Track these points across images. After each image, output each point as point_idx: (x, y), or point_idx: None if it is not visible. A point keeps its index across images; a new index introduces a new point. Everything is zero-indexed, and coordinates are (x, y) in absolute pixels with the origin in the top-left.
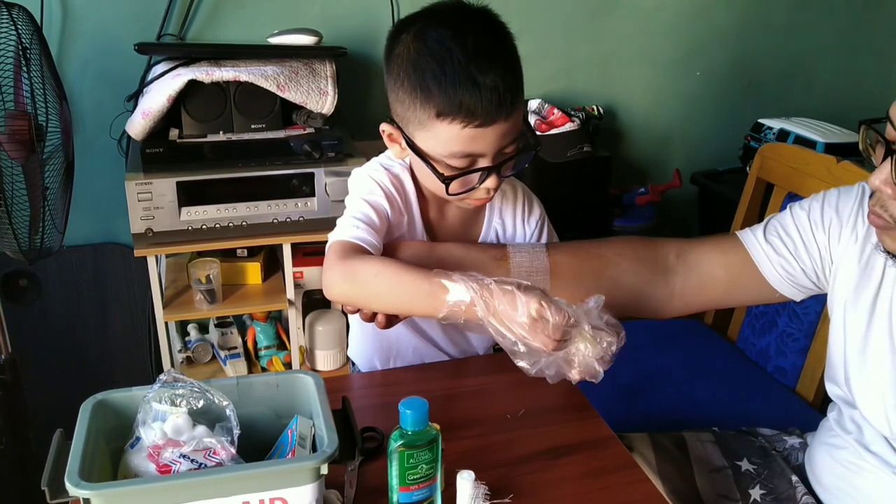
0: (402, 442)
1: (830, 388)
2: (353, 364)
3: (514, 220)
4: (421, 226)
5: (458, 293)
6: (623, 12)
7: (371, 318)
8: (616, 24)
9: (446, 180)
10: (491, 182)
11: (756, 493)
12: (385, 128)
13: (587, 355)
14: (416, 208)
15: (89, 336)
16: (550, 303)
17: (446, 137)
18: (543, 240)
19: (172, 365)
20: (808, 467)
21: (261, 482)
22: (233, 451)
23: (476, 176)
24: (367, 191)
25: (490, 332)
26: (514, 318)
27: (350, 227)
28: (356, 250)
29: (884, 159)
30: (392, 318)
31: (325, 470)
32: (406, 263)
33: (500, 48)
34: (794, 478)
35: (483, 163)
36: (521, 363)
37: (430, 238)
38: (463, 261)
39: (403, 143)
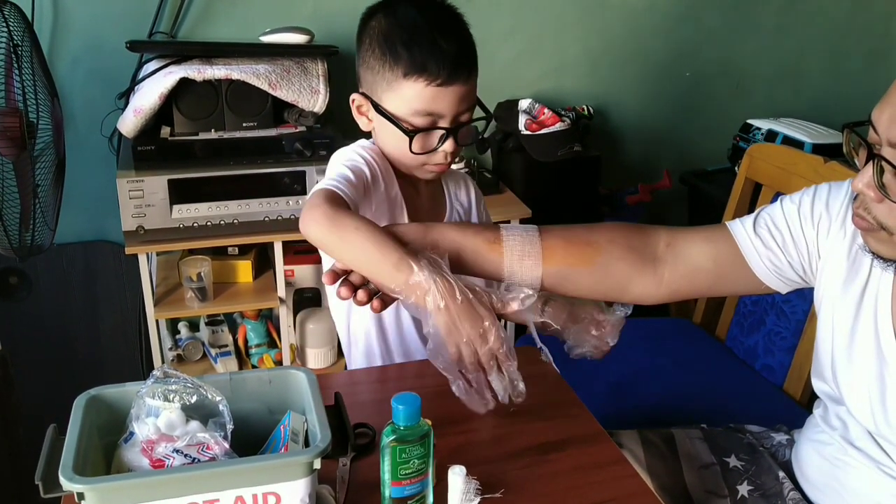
0: (394, 437)
1: (817, 384)
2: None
3: (468, 204)
4: (400, 198)
5: (419, 277)
6: (613, 13)
7: (366, 300)
8: (606, 25)
9: (410, 133)
10: (449, 146)
11: (744, 488)
12: (356, 97)
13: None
14: (395, 182)
15: (80, 333)
16: (495, 327)
17: (411, 95)
18: (485, 213)
19: (163, 362)
20: (795, 463)
21: (254, 477)
22: (226, 445)
23: (436, 139)
24: (346, 159)
25: (424, 319)
26: (466, 324)
27: (330, 181)
28: (341, 201)
29: (866, 163)
30: (387, 299)
31: (317, 465)
32: (385, 231)
33: (458, 24)
34: (781, 474)
35: (442, 124)
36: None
37: (408, 210)
38: (459, 244)
39: (371, 113)
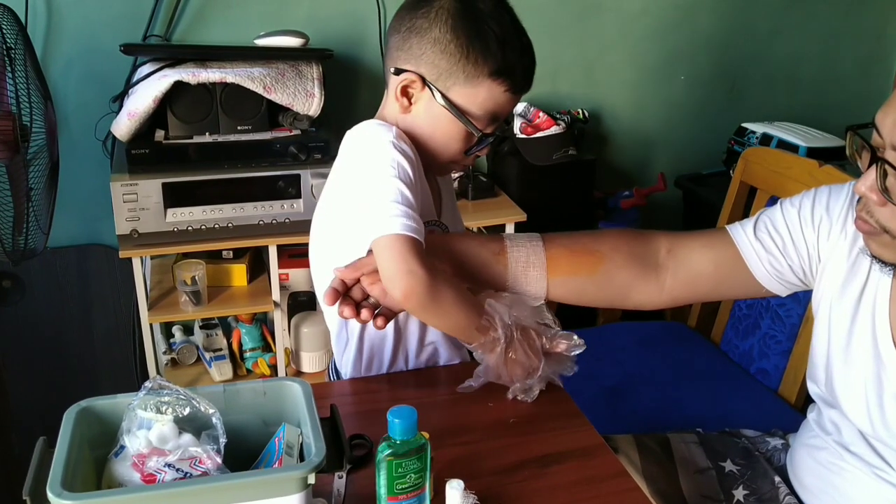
0: (390, 451)
1: (812, 388)
2: (337, 375)
3: (452, 200)
4: (428, 189)
5: (494, 335)
6: (608, 16)
7: (369, 318)
8: (601, 29)
9: (485, 136)
10: (485, 150)
11: (739, 493)
12: (408, 77)
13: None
14: (423, 172)
15: (73, 337)
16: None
17: (487, 96)
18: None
19: (157, 366)
20: (790, 468)
21: (247, 492)
22: (219, 460)
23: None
24: (391, 164)
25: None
26: (518, 368)
27: (402, 218)
28: (425, 255)
29: (869, 166)
30: (389, 315)
31: (312, 479)
32: (469, 295)
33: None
34: (777, 478)
35: (490, 129)
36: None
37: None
38: (466, 255)
39: (421, 97)
